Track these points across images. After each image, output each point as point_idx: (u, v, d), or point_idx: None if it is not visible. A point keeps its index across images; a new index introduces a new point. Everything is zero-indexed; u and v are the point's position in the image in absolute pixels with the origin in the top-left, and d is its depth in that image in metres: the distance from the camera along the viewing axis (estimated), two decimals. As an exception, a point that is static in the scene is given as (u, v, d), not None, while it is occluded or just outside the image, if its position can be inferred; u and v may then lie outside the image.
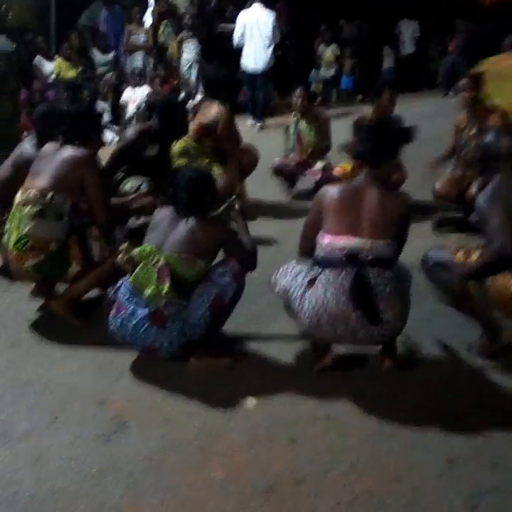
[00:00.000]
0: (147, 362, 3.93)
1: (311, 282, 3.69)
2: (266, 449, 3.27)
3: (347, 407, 3.58)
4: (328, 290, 3.62)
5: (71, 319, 4.34)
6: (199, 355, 3.91)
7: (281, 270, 3.92)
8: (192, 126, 6.35)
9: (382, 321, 3.61)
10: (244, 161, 6.69)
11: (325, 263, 3.68)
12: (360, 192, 3.74)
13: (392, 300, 3.62)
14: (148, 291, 3.70)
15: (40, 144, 4.76)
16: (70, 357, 4.04)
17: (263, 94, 10.56)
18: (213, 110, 6.44)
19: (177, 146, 6.22)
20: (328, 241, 3.70)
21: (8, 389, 3.72)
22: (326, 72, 12.85)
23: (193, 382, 3.79)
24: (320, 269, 3.69)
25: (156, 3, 11.65)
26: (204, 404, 3.60)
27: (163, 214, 3.98)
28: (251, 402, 3.64)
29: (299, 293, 3.72)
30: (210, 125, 6.38)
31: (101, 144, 4.67)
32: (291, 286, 3.77)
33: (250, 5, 10.45)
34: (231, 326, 4.09)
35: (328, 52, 12.79)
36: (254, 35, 10.28)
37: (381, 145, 3.85)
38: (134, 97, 10.19)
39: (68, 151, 4.34)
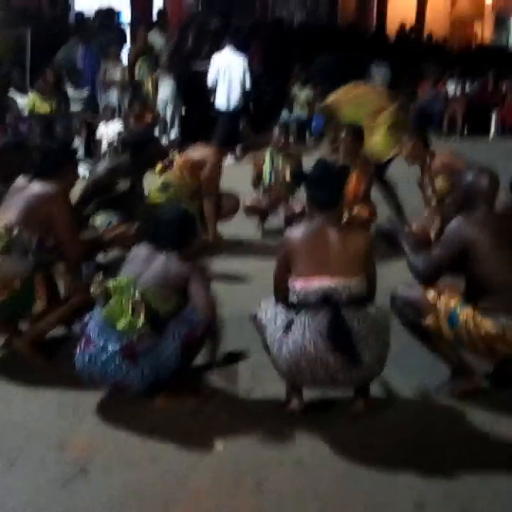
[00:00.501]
0: (112, 402, 3.83)
1: (288, 326, 3.65)
2: (231, 495, 3.18)
3: (316, 451, 3.52)
4: (305, 334, 3.59)
5: (34, 358, 4.22)
6: (166, 394, 3.83)
7: (262, 306, 3.91)
8: (179, 161, 6.38)
9: (361, 362, 3.56)
10: (225, 207, 6.73)
11: (300, 307, 3.66)
12: (323, 232, 3.75)
13: (370, 341, 3.60)
14: (121, 324, 3.62)
15: (4, 179, 4.71)
16: (31, 397, 3.92)
17: (236, 131, 10.81)
18: (205, 150, 6.57)
19: (158, 180, 6.25)
20: (301, 285, 3.68)
21: (-36, 431, 3.60)
22: (301, 113, 12.92)
23: (159, 422, 3.70)
24: (296, 313, 3.66)
25: (132, 41, 11.72)
26: (169, 447, 3.50)
27: (140, 249, 3.95)
28: (218, 444, 3.55)
29: (277, 336, 3.68)
30: (197, 162, 6.41)
31: (75, 178, 4.61)
32: (270, 327, 3.74)
33: (223, 48, 10.70)
34: (199, 364, 4.03)
35: (303, 94, 12.86)
36: (227, 77, 10.58)
37: (328, 192, 3.84)
38: (107, 132, 10.21)
39: (37, 187, 4.27)
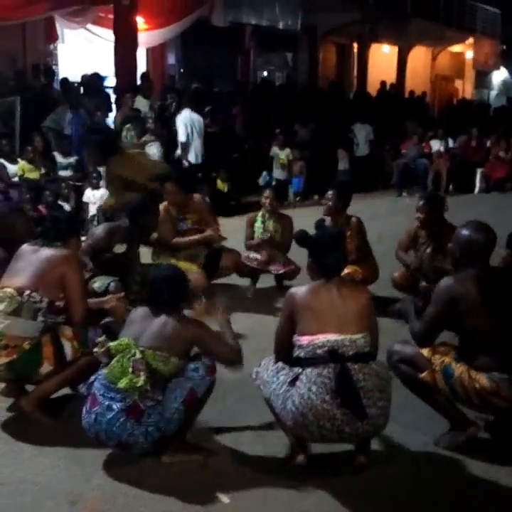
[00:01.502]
0: (119, 459, 3.91)
1: (293, 381, 3.73)
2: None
3: (319, 504, 3.60)
4: (311, 389, 3.66)
5: (41, 417, 4.31)
6: (171, 452, 3.91)
7: (263, 363, 3.99)
8: None
9: (367, 416, 3.64)
10: (225, 263, 6.92)
11: (306, 362, 3.72)
12: (328, 290, 3.82)
13: (375, 395, 3.68)
14: (122, 384, 3.73)
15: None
16: (41, 456, 4.01)
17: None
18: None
19: None
20: (307, 341, 3.74)
21: (-23, 490, 3.67)
22: (280, 173, 13.20)
23: (166, 479, 3.78)
24: (301, 369, 3.73)
25: (118, 108, 11.97)
26: (176, 503, 3.58)
27: (139, 311, 4.05)
28: (224, 499, 3.63)
29: (281, 391, 3.75)
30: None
31: (79, 245, 4.76)
32: (273, 383, 3.81)
33: (181, 111, 11.86)
34: (202, 421, 4.12)
35: (282, 155, 13.15)
36: (194, 134, 11.65)
37: (337, 259, 3.91)
38: (93, 198, 10.38)
39: (49, 251, 4.43)
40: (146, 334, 3.89)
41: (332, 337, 3.72)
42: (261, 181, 13.09)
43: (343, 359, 3.67)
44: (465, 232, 4.09)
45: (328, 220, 6.48)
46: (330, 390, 3.63)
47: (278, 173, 13.23)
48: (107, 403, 3.78)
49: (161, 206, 6.74)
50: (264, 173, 13.26)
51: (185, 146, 11.59)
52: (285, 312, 3.88)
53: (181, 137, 11.57)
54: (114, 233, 5.81)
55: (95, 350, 3.93)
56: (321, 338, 3.72)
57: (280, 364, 3.87)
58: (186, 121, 11.63)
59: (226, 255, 7.00)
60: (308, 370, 3.70)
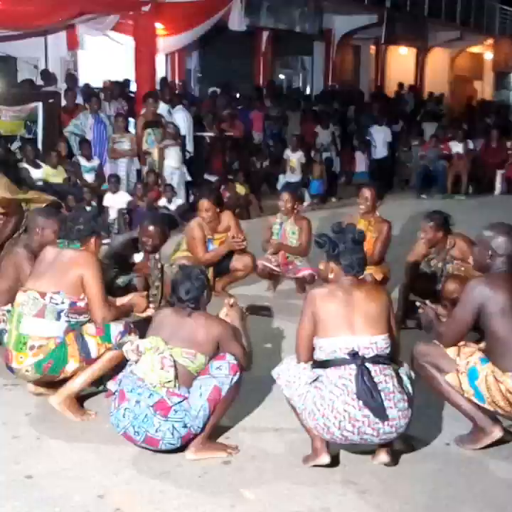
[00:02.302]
0: (146, 455, 4.02)
1: (314, 382, 3.79)
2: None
3: (341, 501, 3.67)
4: (332, 391, 3.72)
5: (70, 414, 4.44)
6: (196, 448, 4.01)
7: (284, 363, 4.05)
8: None
9: (388, 418, 3.69)
10: (235, 265, 7.00)
11: (327, 364, 3.79)
12: (349, 292, 3.86)
13: (396, 397, 3.73)
14: (152, 380, 3.87)
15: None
16: (70, 451, 4.13)
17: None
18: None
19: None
20: (328, 342, 3.79)
21: (9, 483, 3.79)
22: (291, 177, 13.19)
23: (191, 475, 3.88)
24: (322, 370, 3.80)
25: (139, 111, 12.05)
26: (202, 497, 3.68)
27: (165, 311, 4.19)
28: (248, 495, 3.72)
29: (303, 392, 3.82)
30: None
31: (99, 245, 4.88)
32: (294, 383, 3.87)
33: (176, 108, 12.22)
34: (227, 419, 4.22)
35: (294, 158, 13.16)
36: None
37: (359, 257, 3.94)
38: (114, 203, 10.51)
39: (68, 252, 4.56)
40: (174, 333, 4.01)
41: (352, 338, 3.77)
42: (279, 185, 13.17)
43: (364, 361, 3.72)
44: (491, 234, 4.10)
45: (356, 220, 6.51)
46: (351, 391, 3.68)
47: (289, 177, 13.23)
48: (135, 399, 3.91)
49: (194, 223, 6.88)
50: (281, 176, 13.35)
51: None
52: (306, 312, 3.91)
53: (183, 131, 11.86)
54: (132, 242, 6.00)
55: (124, 349, 4.07)
56: (341, 339, 3.78)
57: (302, 364, 3.92)
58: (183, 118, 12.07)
59: (238, 257, 7.03)
60: (329, 371, 3.76)
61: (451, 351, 4.11)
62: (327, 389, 3.73)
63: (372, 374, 3.70)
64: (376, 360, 3.75)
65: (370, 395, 3.65)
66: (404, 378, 3.90)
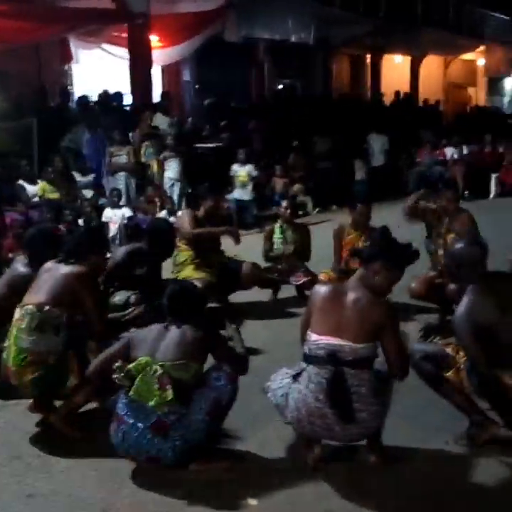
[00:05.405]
0: (148, 469, 3.98)
1: (297, 376, 3.87)
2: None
3: (344, 504, 3.68)
4: (308, 386, 3.81)
5: (70, 431, 4.38)
6: (198, 461, 3.97)
7: (272, 377, 4.11)
8: None
9: (355, 421, 3.74)
10: (244, 271, 6.89)
11: (310, 359, 3.86)
12: (344, 295, 3.90)
13: (368, 401, 3.76)
14: (152, 402, 3.78)
15: (31, 263, 4.97)
16: (72, 468, 4.08)
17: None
18: None
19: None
20: (313, 338, 3.88)
21: (11, 503, 3.75)
22: (241, 193, 12.27)
23: (194, 486, 3.85)
24: (305, 365, 3.87)
25: (136, 124, 12.02)
26: (206, 509, 3.65)
27: (147, 330, 4.12)
28: (251, 502, 3.71)
29: (286, 387, 3.90)
30: None
31: (102, 261, 4.84)
32: (279, 382, 3.97)
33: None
34: (228, 427, 4.21)
35: (243, 173, 12.59)
36: None
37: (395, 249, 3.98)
38: (114, 217, 10.43)
39: (65, 268, 4.53)
40: (162, 347, 3.95)
41: (334, 341, 3.81)
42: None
43: (340, 363, 3.76)
44: (458, 247, 4.34)
45: (347, 231, 6.55)
46: (324, 390, 3.75)
47: (238, 193, 12.17)
48: (131, 422, 3.85)
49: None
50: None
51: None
52: (308, 304, 4.05)
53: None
54: (135, 256, 5.89)
55: (115, 375, 3.93)
56: (324, 339, 3.83)
57: (286, 369, 4.02)
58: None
59: (245, 264, 6.96)
60: (310, 368, 3.84)
61: (450, 348, 4.13)
62: (304, 384, 3.82)
63: (347, 376, 3.75)
64: (353, 364, 3.78)
65: (339, 397, 3.72)
66: (381, 383, 3.87)
